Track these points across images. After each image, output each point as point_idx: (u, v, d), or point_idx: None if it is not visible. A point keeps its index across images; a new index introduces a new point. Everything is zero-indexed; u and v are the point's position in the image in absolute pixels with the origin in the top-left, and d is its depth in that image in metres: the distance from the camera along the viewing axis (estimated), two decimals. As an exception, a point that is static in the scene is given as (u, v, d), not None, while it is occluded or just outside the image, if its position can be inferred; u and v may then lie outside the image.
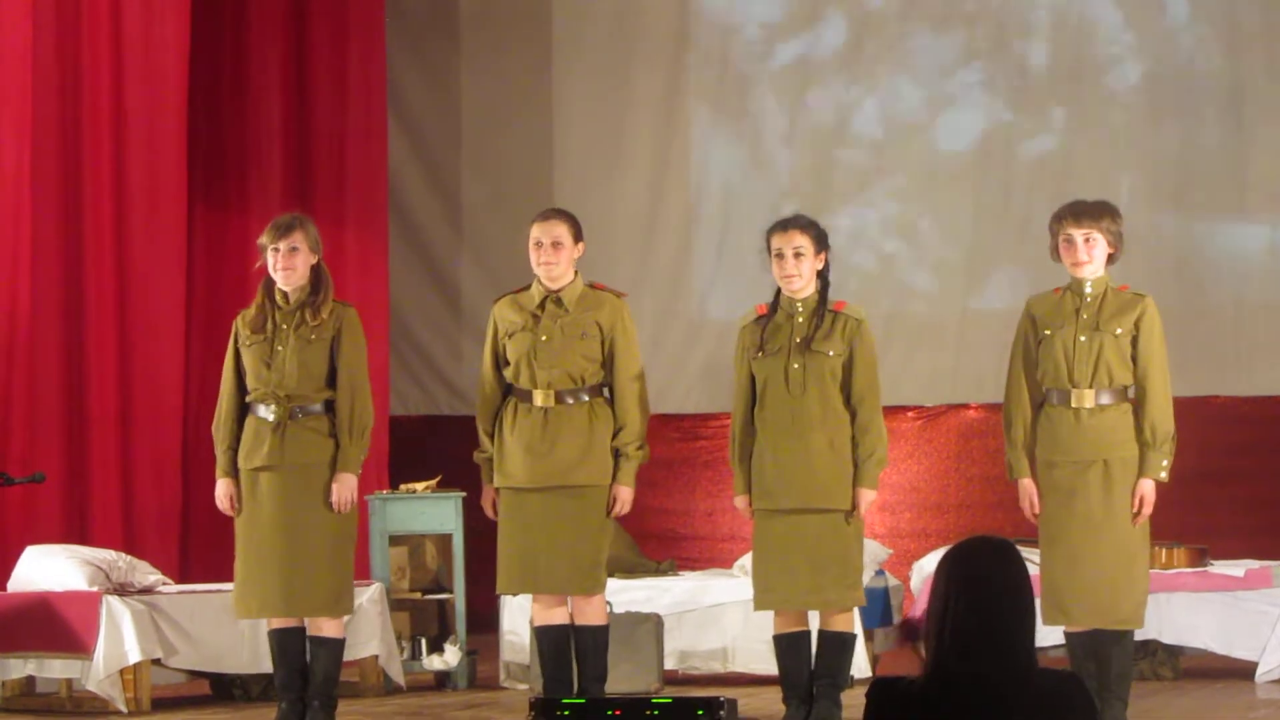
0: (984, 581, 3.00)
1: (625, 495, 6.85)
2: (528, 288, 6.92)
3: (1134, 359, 6.55)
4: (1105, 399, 6.54)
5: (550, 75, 9.80)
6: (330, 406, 6.86)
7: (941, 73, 10.43)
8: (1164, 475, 6.51)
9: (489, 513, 6.93)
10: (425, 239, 9.95)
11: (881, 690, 3.11)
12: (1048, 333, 6.57)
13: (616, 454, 6.85)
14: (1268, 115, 10.19)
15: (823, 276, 6.86)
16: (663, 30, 9.76)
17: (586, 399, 6.84)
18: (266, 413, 6.76)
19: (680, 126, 9.82)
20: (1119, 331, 6.54)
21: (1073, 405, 6.52)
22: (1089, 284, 6.57)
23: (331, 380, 6.87)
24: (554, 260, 6.83)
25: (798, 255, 6.74)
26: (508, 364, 6.93)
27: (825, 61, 10.13)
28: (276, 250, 6.81)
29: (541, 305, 6.87)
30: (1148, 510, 6.48)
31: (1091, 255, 6.56)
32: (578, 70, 9.81)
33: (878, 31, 10.20)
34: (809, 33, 10.10)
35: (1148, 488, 6.48)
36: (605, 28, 9.76)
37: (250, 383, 6.83)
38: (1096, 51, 10.41)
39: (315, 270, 6.89)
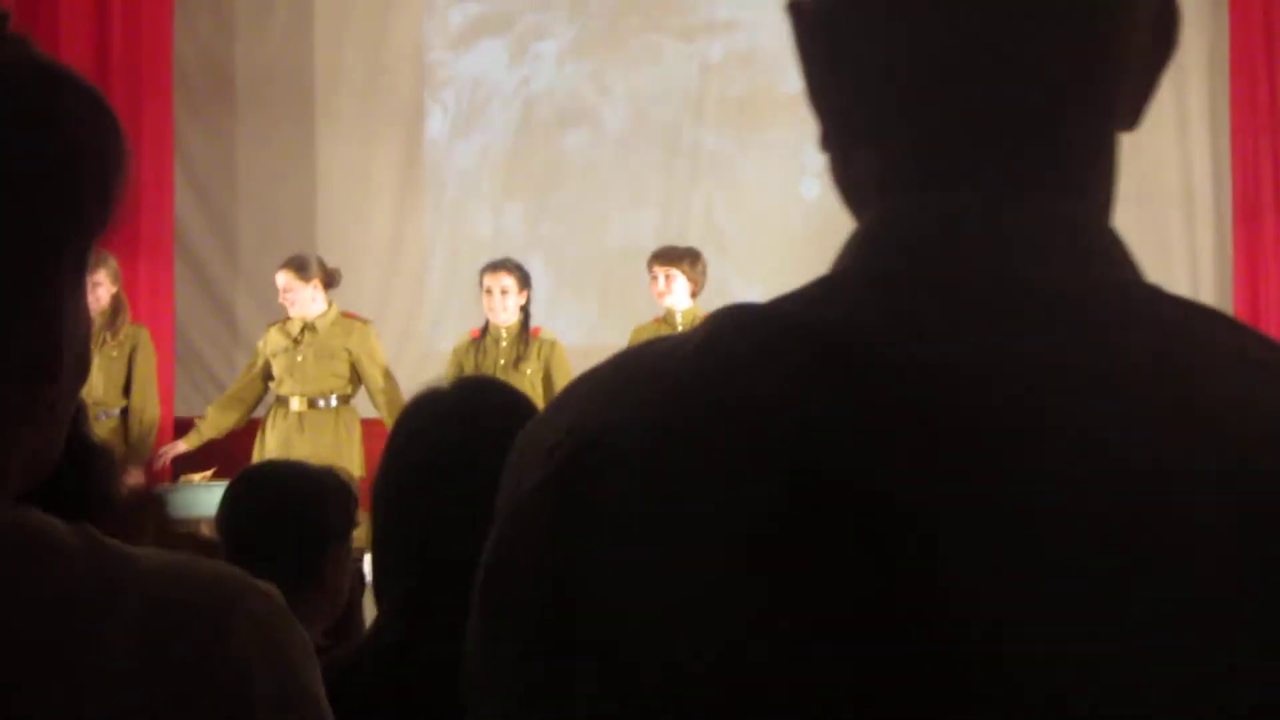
0: None
1: None
2: (290, 318, 7.62)
3: None
4: None
5: (314, 137, 10.09)
6: (125, 412, 7.51)
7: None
8: None
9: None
10: (206, 271, 10.10)
11: None
12: None
13: None
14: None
15: (524, 309, 7.47)
16: (403, 99, 10.01)
17: (335, 404, 7.55)
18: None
19: (416, 181, 9.97)
20: None
21: None
22: (679, 314, 7.28)
23: (128, 388, 7.53)
24: (293, 302, 7.52)
25: (504, 293, 7.43)
26: (272, 377, 7.62)
27: (550, 111, 9.80)
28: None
29: (301, 332, 7.59)
30: None
31: (670, 289, 7.29)
32: (335, 132, 10.05)
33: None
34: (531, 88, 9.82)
35: None
36: (357, 99, 10.04)
37: None
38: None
39: (115, 298, 7.52)
